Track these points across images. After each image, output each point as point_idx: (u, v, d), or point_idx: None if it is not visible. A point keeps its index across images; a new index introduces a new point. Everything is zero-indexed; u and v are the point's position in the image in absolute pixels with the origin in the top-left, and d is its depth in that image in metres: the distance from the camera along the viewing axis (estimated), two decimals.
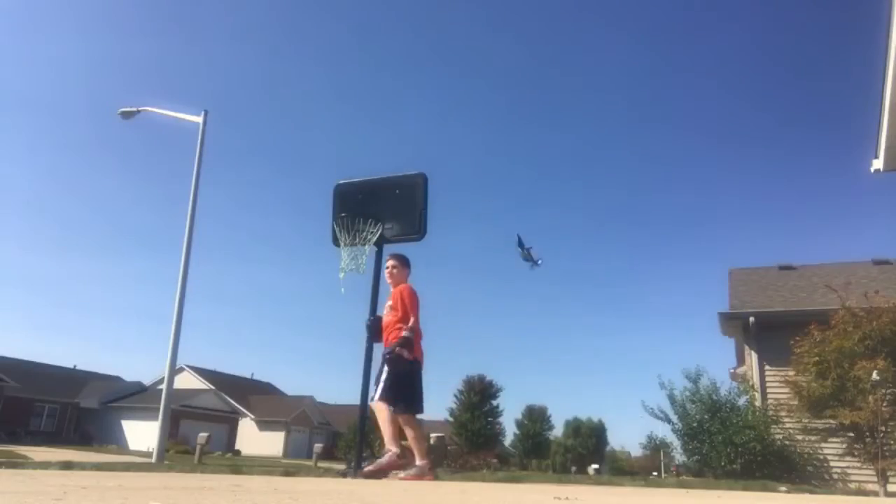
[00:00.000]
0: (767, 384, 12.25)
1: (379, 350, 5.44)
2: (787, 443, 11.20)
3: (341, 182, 7.60)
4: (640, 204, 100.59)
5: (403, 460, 5.16)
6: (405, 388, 5.11)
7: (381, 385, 5.08)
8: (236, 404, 47.37)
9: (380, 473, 5.01)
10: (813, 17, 71.96)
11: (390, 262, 5.60)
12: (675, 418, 12.54)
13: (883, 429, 9.53)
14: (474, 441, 41.01)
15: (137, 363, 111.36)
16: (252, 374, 58.96)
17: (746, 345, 13.10)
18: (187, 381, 45.29)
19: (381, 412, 5.05)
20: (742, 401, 12.25)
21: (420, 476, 5.11)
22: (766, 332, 12.50)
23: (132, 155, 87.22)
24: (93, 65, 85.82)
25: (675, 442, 14.05)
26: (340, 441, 44.67)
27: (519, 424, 54.55)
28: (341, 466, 6.91)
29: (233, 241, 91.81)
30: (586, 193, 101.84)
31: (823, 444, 10.80)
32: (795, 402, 10.39)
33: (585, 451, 52.78)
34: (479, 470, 11.15)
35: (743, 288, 14.68)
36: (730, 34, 77.80)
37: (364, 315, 5.74)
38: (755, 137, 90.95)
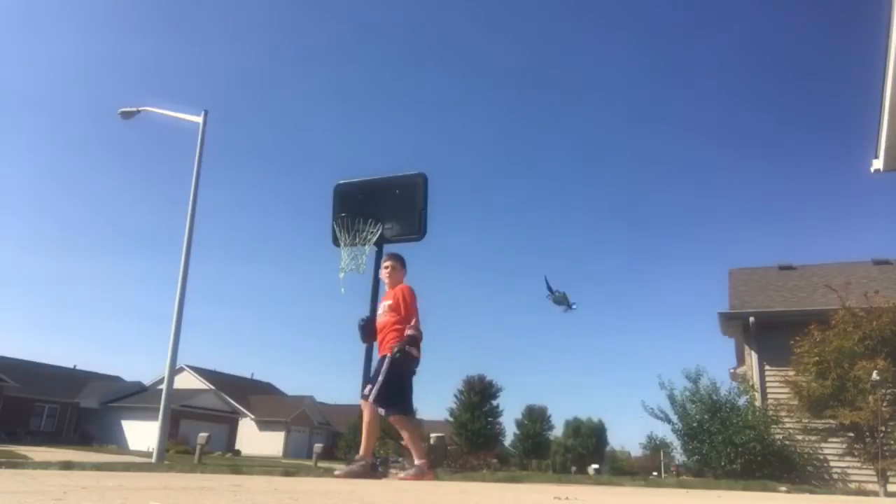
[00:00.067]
0: (767, 384, 12.25)
1: (377, 349, 5.39)
2: (787, 443, 11.20)
3: (341, 182, 7.60)
4: (640, 204, 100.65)
5: (376, 472, 5.10)
6: (400, 389, 5.04)
7: (378, 385, 4.99)
8: (236, 404, 47.37)
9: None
10: (813, 17, 71.98)
11: (388, 263, 5.56)
12: (675, 418, 12.54)
13: (883, 429, 9.53)
14: (474, 441, 40.99)
15: (137, 363, 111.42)
16: (252, 374, 59.06)
17: (746, 345, 13.10)
18: (187, 381, 45.29)
19: (371, 414, 4.99)
20: (742, 401, 12.24)
21: (420, 476, 5.08)
22: (766, 332, 12.51)
23: (132, 155, 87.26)
24: (93, 65, 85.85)
25: (675, 442, 14.05)
26: (340, 441, 44.68)
27: (519, 424, 54.57)
28: (341, 466, 6.89)
29: (233, 241, 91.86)
30: (586, 193, 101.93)
31: (823, 444, 10.80)
32: (795, 402, 10.39)
33: (585, 451, 52.80)
34: (479, 470, 11.14)
35: (743, 288, 14.68)
36: (730, 34, 77.82)
37: (365, 315, 5.70)
38: (755, 137, 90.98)
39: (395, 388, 5.00)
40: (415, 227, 7.09)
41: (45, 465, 6.23)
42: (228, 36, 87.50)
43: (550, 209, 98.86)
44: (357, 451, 5.11)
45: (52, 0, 75.31)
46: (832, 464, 11.11)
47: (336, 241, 7.25)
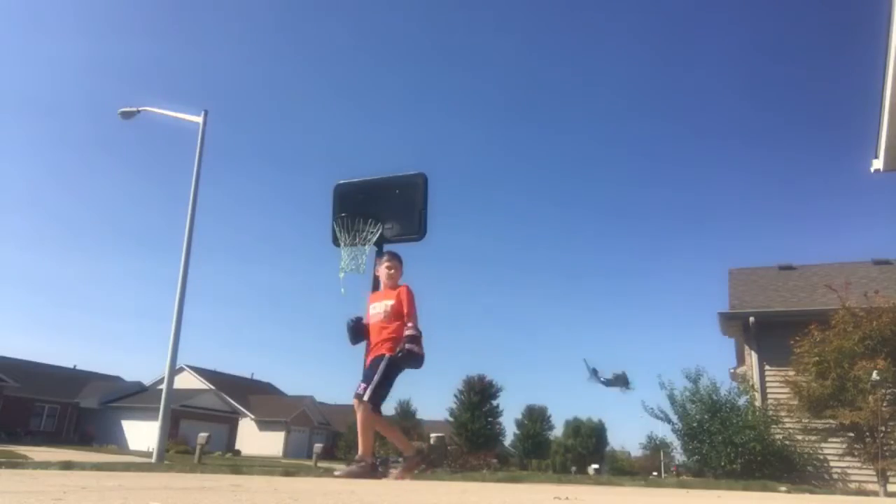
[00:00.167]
0: (767, 384, 12.25)
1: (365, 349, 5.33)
2: (787, 443, 11.20)
3: (341, 182, 7.60)
4: (641, 203, 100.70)
5: (376, 472, 5.08)
6: (389, 388, 5.04)
7: (374, 385, 4.96)
8: (236, 404, 47.35)
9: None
10: (813, 17, 71.99)
11: (393, 263, 5.45)
12: (675, 418, 12.54)
13: (883, 429, 9.53)
14: (474, 441, 41.00)
15: (137, 363, 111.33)
16: (252, 374, 59.03)
17: (746, 345, 13.10)
18: (187, 381, 45.27)
19: (365, 413, 4.96)
20: (742, 401, 12.24)
21: (413, 467, 5.10)
22: (766, 332, 12.51)
23: (132, 155, 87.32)
24: (92, 65, 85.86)
25: (675, 442, 14.04)
26: (340, 441, 44.69)
27: (519, 424, 54.57)
28: (341, 466, 6.89)
29: (233, 241, 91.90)
30: (586, 192, 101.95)
31: (823, 444, 10.79)
32: (795, 402, 10.39)
33: (585, 451, 52.84)
34: (479, 470, 11.15)
35: (743, 288, 14.68)
36: (731, 34, 77.85)
37: (355, 315, 5.56)
38: (755, 137, 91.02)
39: (387, 386, 5.00)
40: (415, 227, 7.09)
41: (45, 465, 6.23)
42: (228, 36, 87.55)
43: (551, 208, 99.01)
44: (357, 451, 5.08)
45: (51, 0, 75.34)
46: (832, 464, 11.11)
47: (336, 241, 7.25)
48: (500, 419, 47.60)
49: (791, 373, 10.74)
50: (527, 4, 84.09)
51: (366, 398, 4.90)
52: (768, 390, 12.18)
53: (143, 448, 28.99)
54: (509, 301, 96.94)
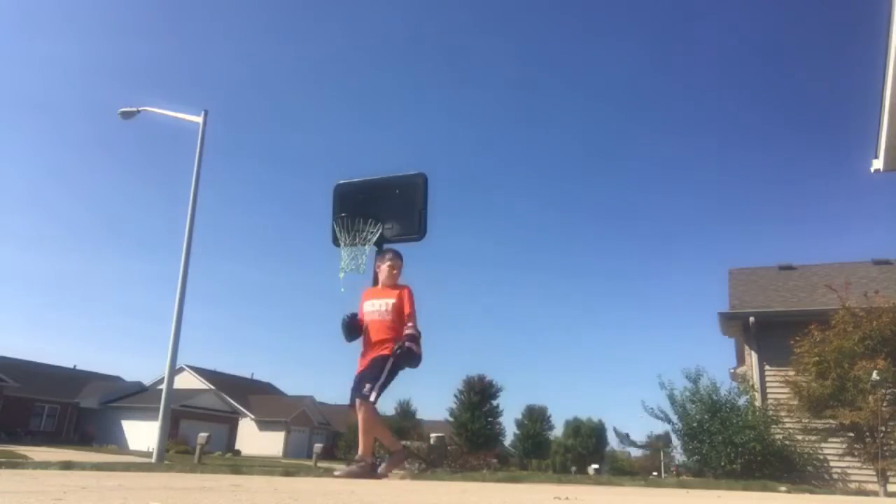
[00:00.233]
0: (767, 384, 12.25)
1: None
2: (787, 443, 11.20)
3: (341, 182, 7.60)
4: (641, 204, 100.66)
5: (376, 472, 5.06)
6: (388, 387, 5.05)
7: (380, 384, 4.95)
8: (236, 404, 47.35)
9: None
10: (813, 17, 71.99)
11: (395, 262, 5.40)
12: (675, 418, 12.55)
13: (883, 429, 9.53)
14: (474, 441, 40.99)
15: (137, 363, 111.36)
16: (252, 374, 59.04)
17: (746, 345, 13.10)
18: (187, 381, 45.28)
19: (370, 414, 4.95)
20: (742, 401, 12.24)
21: (396, 464, 5.10)
22: (766, 332, 12.51)
23: (132, 155, 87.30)
24: (92, 65, 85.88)
25: (676, 442, 14.06)
26: (340, 441, 44.68)
27: (519, 424, 54.58)
28: (341, 466, 6.89)
29: (233, 241, 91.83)
30: (586, 193, 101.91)
31: (823, 444, 10.79)
32: (795, 402, 10.39)
33: (585, 451, 52.83)
34: (479, 470, 11.15)
35: (743, 288, 14.68)
36: (730, 35, 77.82)
37: (351, 312, 5.50)
38: (755, 137, 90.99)
39: (388, 385, 5.00)
40: (415, 228, 7.09)
41: (45, 465, 6.23)
42: (226, 36, 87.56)
43: (551, 209, 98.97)
44: (356, 451, 5.07)
45: (51, 0, 75.36)
46: (832, 464, 11.11)
47: (336, 242, 7.25)
48: (500, 419, 47.65)
49: (791, 373, 10.74)
50: (527, 6, 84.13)
51: (371, 399, 4.89)
52: (768, 390, 12.18)
53: (143, 448, 29.00)
54: (509, 301, 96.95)
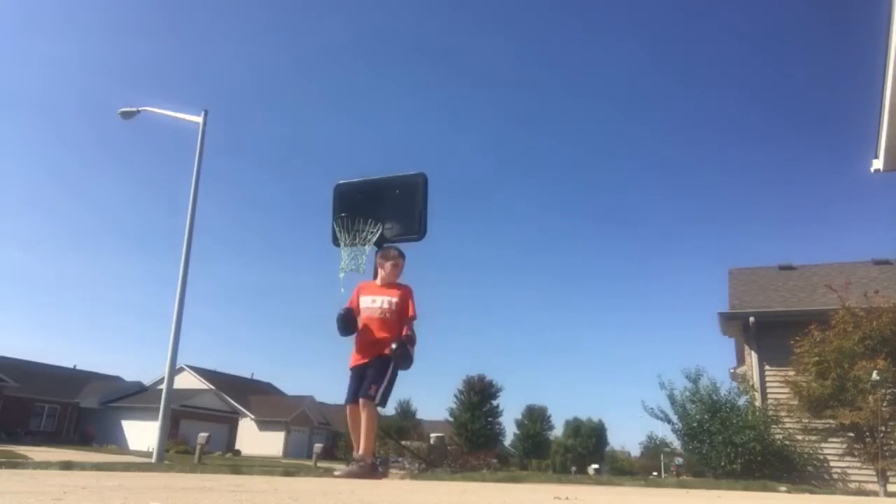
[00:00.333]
0: (767, 384, 12.24)
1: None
2: (787, 443, 11.19)
3: (341, 182, 7.61)
4: (640, 204, 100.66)
5: (376, 472, 5.04)
6: (392, 390, 5.05)
7: (384, 386, 4.95)
8: (236, 404, 47.33)
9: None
10: (813, 17, 71.97)
11: (400, 261, 5.36)
12: (675, 418, 12.54)
13: (883, 429, 9.52)
14: (474, 441, 41.02)
15: (137, 363, 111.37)
16: (252, 374, 58.97)
17: (746, 345, 13.09)
18: (187, 381, 45.25)
19: (374, 414, 4.94)
20: (742, 401, 12.24)
21: (361, 474, 4.87)
22: (766, 332, 12.50)
23: (132, 155, 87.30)
24: (93, 65, 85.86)
25: (676, 442, 14.04)
26: (341, 441, 44.63)
27: (519, 424, 54.60)
28: (342, 466, 6.88)
29: (233, 241, 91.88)
30: (587, 193, 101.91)
31: (823, 444, 10.79)
32: (795, 402, 10.38)
33: (585, 451, 52.85)
34: (479, 470, 11.14)
35: (743, 288, 14.67)
36: (729, 36, 77.81)
37: (345, 307, 5.44)
38: (755, 138, 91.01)
39: (392, 387, 5.01)
40: (415, 227, 7.10)
41: (45, 465, 6.23)
42: (225, 36, 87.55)
43: (551, 209, 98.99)
44: (353, 452, 5.06)
45: (51, 0, 75.33)
46: (832, 464, 11.10)
47: (336, 241, 7.25)
48: (500, 419, 47.71)
49: (791, 373, 10.73)
50: (527, 6, 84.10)
51: (377, 401, 4.89)
52: (768, 390, 12.17)
53: (143, 448, 28.99)
54: (510, 301, 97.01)
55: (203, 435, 17.67)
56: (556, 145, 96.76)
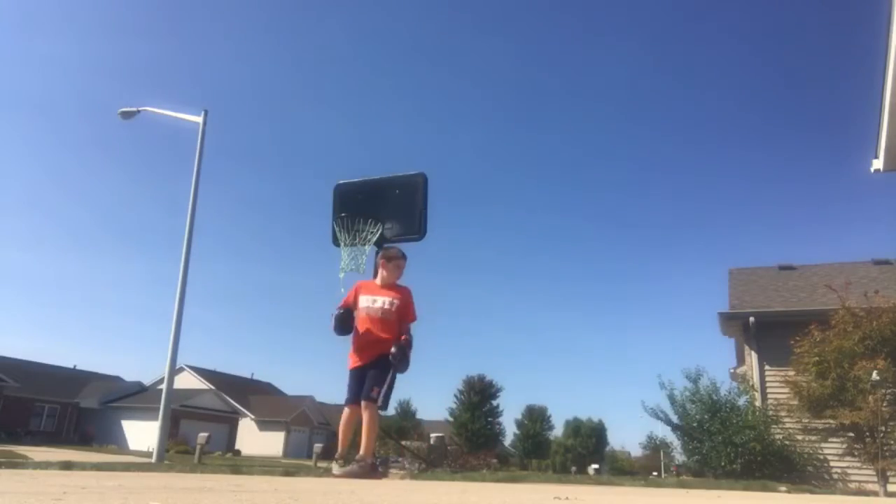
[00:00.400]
0: (767, 384, 12.24)
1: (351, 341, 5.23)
2: (787, 443, 11.19)
3: (341, 182, 7.60)
4: (640, 204, 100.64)
5: (376, 472, 5.04)
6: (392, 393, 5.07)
7: (386, 389, 4.97)
8: (236, 404, 47.33)
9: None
10: (813, 17, 71.97)
11: (403, 262, 5.33)
12: (675, 418, 12.53)
13: (883, 429, 9.52)
14: (474, 441, 41.01)
15: (137, 363, 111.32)
16: (252, 374, 58.94)
17: (746, 345, 13.09)
18: (187, 381, 45.25)
19: (372, 415, 4.94)
20: (742, 401, 12.23)
21: (360, 474, 4.84)
22: (766, 332, 12.49)
23: (131, 155, 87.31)
24: (93, 65, 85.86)
25: (675, 442, 14.05)
26: None
27: (519, 424, 54.56)
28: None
29: (233, 241, 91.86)
30: (587, 193, 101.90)
31: (823, 444, 10.79)
32: (795, 402, 10.38)
33: (585, 451, 52.78)
34: (479, 470, 11.14)
35: (743, 288, 14.67)
36: (729, 36, 77.81)
37: (342, 306, 5.41)
38: (755, 138, 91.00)
39: (393, 388, 5.02)
40: (415, 227, 7.09)
41: (45, 465, 6.23)
42: (225, 36, 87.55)
43: (551, 209, 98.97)
44: (357, 452, 5.06)
45: (51, 0, 75.33)
46: (832, 464, 11.10)
47: (336, 241, 7.25)
48: (500, 419, 47.68)
49: (791, 373, 10.73)
50: (527, 6, 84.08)
51: (379, 403, 4.90)
52: (768, 390, 12.17)
53: (143, 448, 28.99)
54: (510, 302, 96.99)
55: (203, 435, 17.67)
56: (556, 145, 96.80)
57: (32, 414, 39.38)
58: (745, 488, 7.07)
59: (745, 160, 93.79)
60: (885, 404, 9.41)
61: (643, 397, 37.43)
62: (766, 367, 12.38)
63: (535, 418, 54.37)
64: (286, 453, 44.88)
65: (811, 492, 7.69)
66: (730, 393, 12.36)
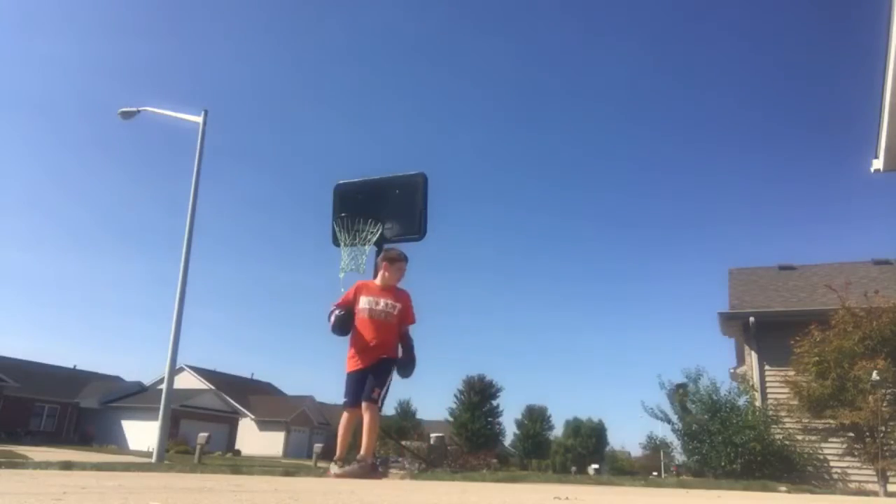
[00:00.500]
0: (767, 384, 12.24)
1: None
2: (787, 443, 11.19)
3: (341, 182, 7.61)
4: (640, 204, 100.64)
5: (377, 472, 5.05)
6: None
7: (385, 390, 5.01)
8: (236, 404, 47.32)
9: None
10: (813, 17, 71.98)
11: (404, 265, 5.31)
12: (675, 418, 12.53)
13: (883, 429, 9.53)
14: (474, 441, 41.02)
15: (137, 363, 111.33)
16: (252, 374, 58.94)
17: (746, 345, 13.09)
18: (187, 381, 45.25)
19: (373, 415, 4.95)
20: (742, 401, 12.23)
21: (360, 474, 4.85)
22: (766, 332, 12.49)
23: (131, 155, 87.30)
24: (93, 65, 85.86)
25: (675, 442, 14.05)
26: None
27: (519, 424, 54.57)
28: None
29: (233, 241, 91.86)
30: (587, 194, 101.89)
31: (823, 444, 10.79)
32: (795, 402, 10.38)
33: (585, 451, 52.78)
34: (479, 470, 11.14)
35: (743, 288, 14.67)
36: (729, 36, 77.81)
37: (343, 306, 5.37)
38: (755, 138, 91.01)
39: (389, 389, 5.07)
40: (415, 227, 7.10)
41: (45, 465, 6.22)
42: (224, 36, 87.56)
43: (551, 209, 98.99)
44: (357, 452, 5.07)
45: (51, 0, 75.34)
46: (832, 464, 11.10)
47: (336, 241, 7.26)
48: (500, 419, 47.70)
49: (791, 373, 10.73)
50: (527, 6, 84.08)
51: (380, 404, 4.95)
52: (768, 390, 12.17)
53: (143, 448, 28.99)
54: (510, 302, 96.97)
55: (203, 435, 17.67)
56: (556, 145, 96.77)
57: (32, 414, 39.38)
58: (745, 488, 7.06)
59: (745, 160, 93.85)
60: (885, 404, 9.41)
61: (643, 397, 37.41)
62: (766, 367, 12.38)
63: (535, 418, 54.38)
64: (286, 453, 44.87)
65: (811, 492, 7.68)
66: (730, 393, 12.37)
